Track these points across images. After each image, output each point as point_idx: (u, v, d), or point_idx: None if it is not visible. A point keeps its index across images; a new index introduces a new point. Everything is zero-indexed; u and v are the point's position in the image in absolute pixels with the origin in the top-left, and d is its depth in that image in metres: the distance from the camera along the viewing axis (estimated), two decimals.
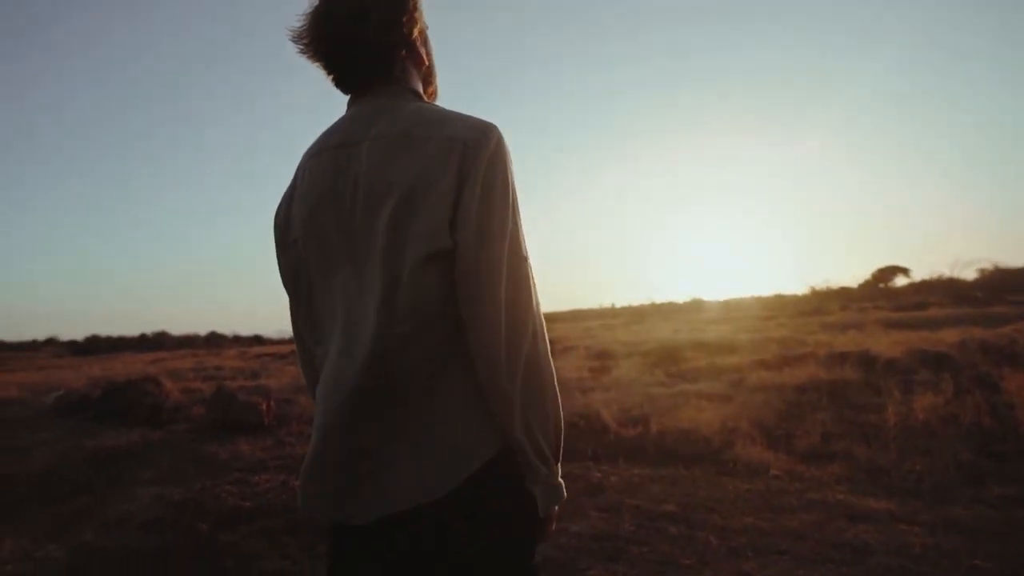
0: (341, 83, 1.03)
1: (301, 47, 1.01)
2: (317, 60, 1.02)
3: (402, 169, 0.90)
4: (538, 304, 0.95)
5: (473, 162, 0.89)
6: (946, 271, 43.16)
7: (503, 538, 0.96)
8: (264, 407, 6.43)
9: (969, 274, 42.71)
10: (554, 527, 1.01)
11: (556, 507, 0.98)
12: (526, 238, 0.96)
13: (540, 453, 0.94)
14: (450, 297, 0.92)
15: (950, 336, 9.76)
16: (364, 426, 0.95)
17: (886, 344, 9.12)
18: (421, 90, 1.08)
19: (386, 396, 0.93)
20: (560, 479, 0.98)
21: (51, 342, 41.09)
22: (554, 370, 0.96)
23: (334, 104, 1.08)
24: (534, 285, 0.95)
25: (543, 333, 0.95)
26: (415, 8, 1.03)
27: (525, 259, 0.94)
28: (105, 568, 3.09)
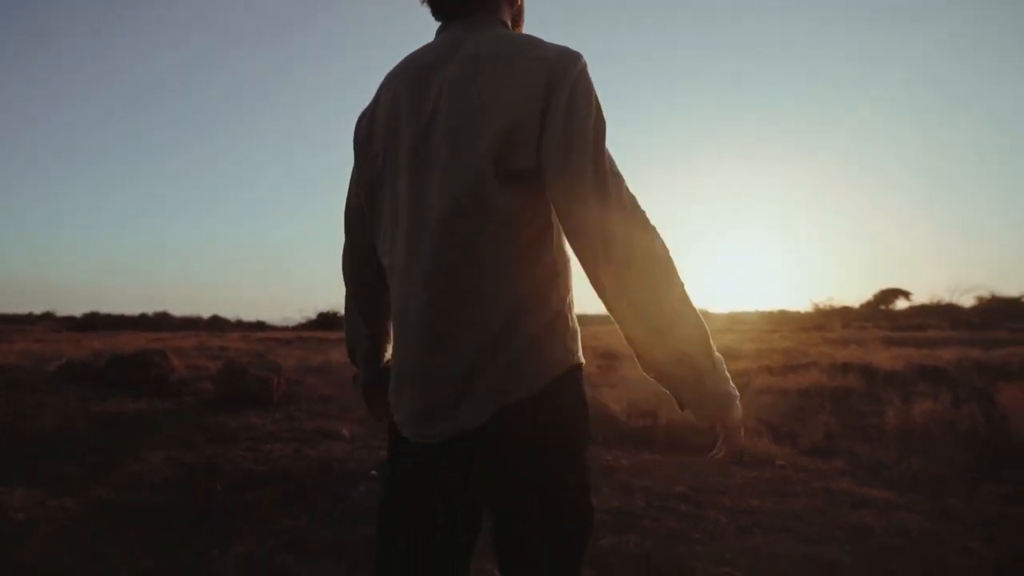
0: (437, 9, 1.06)
1: None
2: None
3: (488, 87, 0.92)
4: (645, 216, 0.92)
5: (560, 82, 0.90)
6: (945, 296, 43.48)
7: (559, 457, 0.96)
8: (275, 383, 6.44)
9: (967, 300, 43.10)
10: (742, 435, 0.94)
11: (735, 413, 0.91)
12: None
13: (689, 362, 0.89)
14: (524, 217, 0.93)
15: (948, 355, 9.96)
16: (430, 343, 0.95)
17: (886, 358, 9.26)
18: (510, 24, 1.09)
19: (448, 315, 0.94)
20: (729, 385, 0.91)
21: (47, 316, 40.43)
22: (682, 279, 0.91)
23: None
24: (636, 200, 0.93)
25: (659, 243, 0.91)
26: None
27: (618, 175, 0.92)
28: (119, 522, 3.05)
